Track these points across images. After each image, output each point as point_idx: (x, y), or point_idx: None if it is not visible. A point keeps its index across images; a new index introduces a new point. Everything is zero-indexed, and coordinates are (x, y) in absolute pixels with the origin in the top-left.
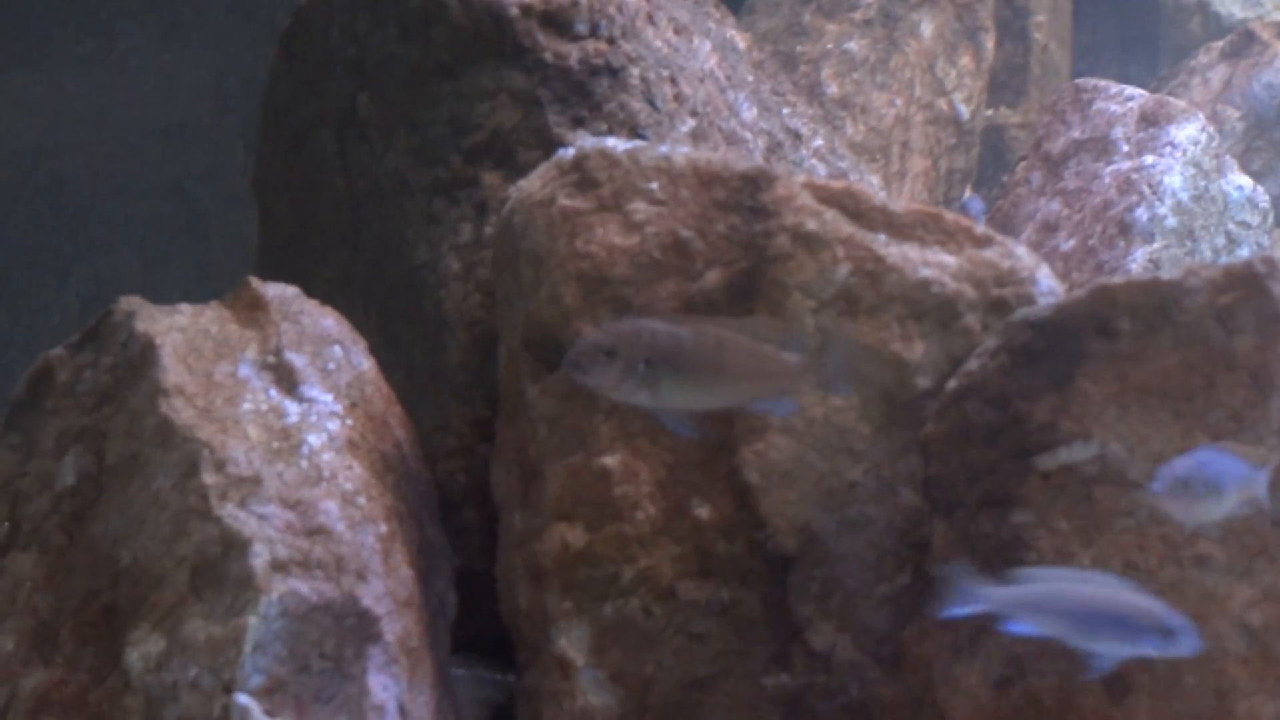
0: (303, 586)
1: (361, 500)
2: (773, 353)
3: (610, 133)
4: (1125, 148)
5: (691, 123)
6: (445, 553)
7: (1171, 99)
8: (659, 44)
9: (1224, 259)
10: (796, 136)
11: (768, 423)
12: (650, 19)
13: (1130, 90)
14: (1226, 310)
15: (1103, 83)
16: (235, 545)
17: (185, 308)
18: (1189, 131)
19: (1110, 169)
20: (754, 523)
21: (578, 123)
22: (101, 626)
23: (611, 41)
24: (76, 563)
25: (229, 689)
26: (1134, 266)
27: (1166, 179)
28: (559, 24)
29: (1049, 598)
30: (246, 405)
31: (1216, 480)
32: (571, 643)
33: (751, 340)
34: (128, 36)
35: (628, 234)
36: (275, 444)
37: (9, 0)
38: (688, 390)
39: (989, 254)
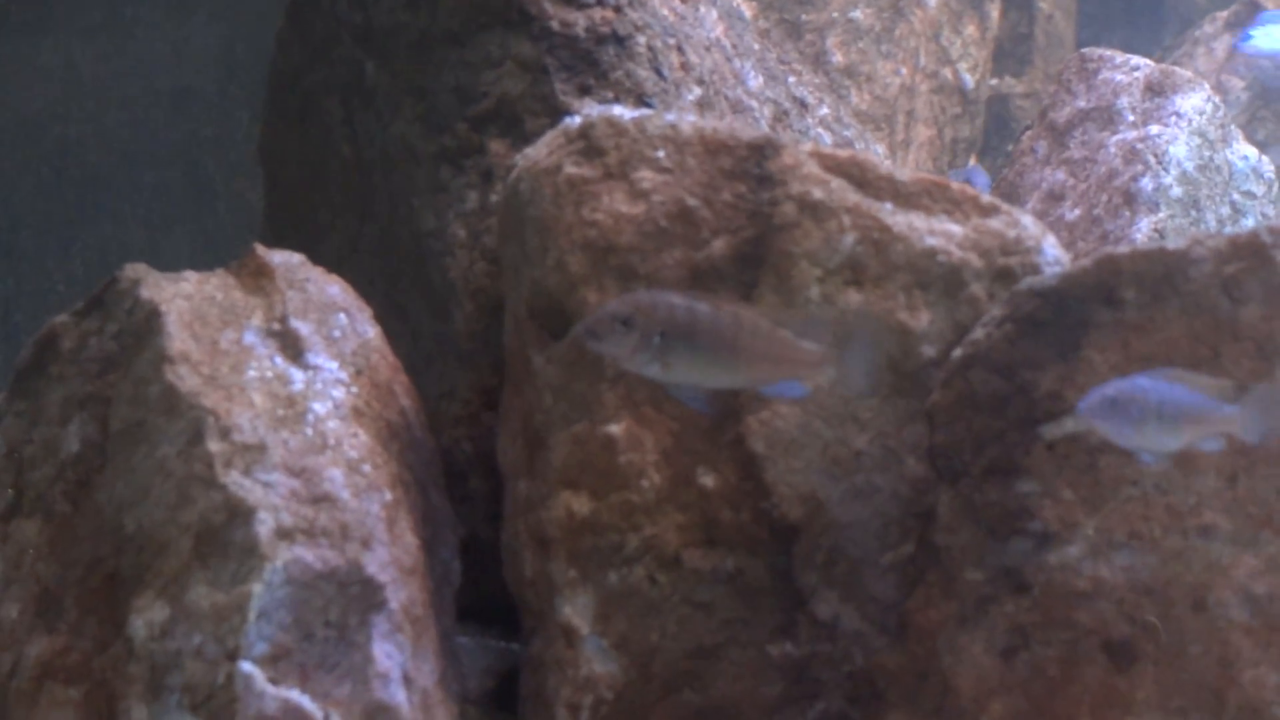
0: (307, 554)
1: (366, 468)
2: (791, 339)
3: (617, 101)
4: (1131, 117)
5: (698, 91)
6: (450, 521)
7: (1177, 69)
8: (665, 12)
9: (1229, 229)
10: (802, 105)
11: None
12: None
13: (1136, 60)
14: (1232, 280)
15: (1108, 52)
16: (240, 513)
17: (191, 275)
18: (1194, 101)
19: (1116, 139)
20: (759, 491)
21: (584, 91)
22: (105, 594)
23: (618, 9)
24: (81, 530)
25: (233, 657)
26: (1139, 236)
27: (1172, 149)
28: None
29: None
30: (252, 372)
31: (1159, 407)
32: (576, 611)
33: (770, 324)
34: (135, 4)
35: (634, 202)
36: (280, 411)
37: None
38: (701, 366)
39: (995, 223)
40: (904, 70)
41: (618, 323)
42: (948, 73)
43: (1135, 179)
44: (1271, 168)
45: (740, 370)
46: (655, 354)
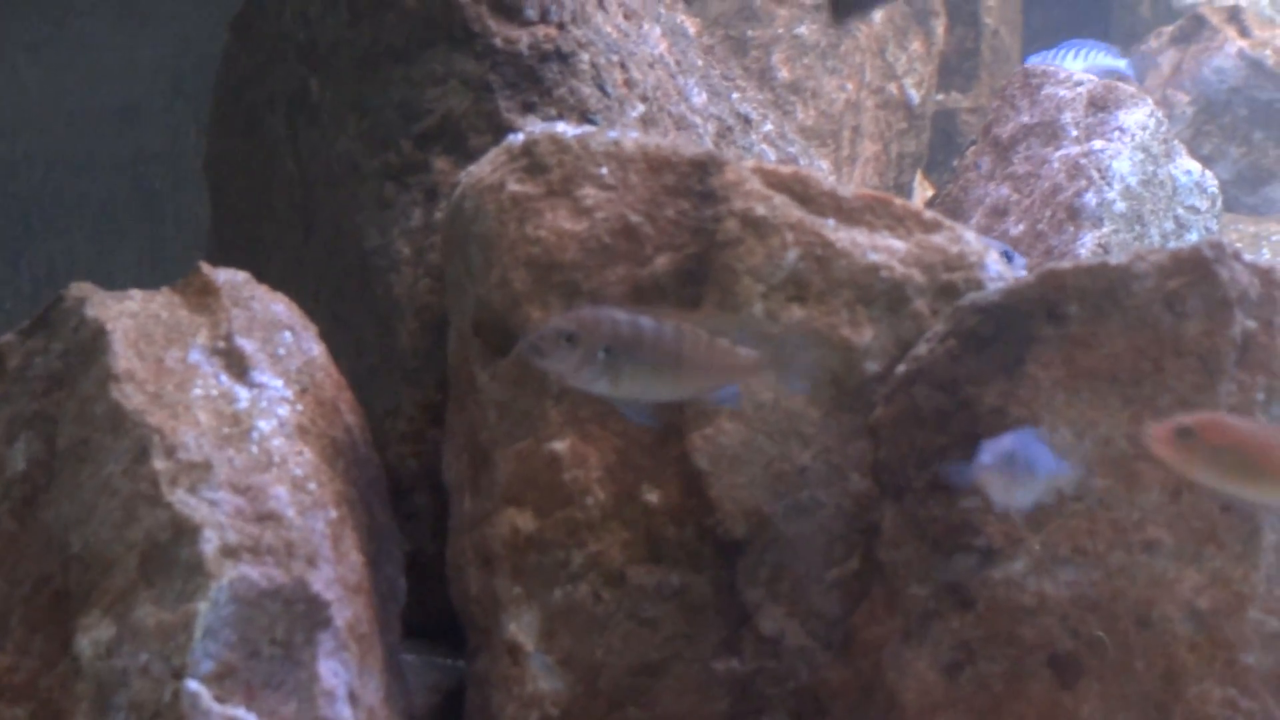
0: (253, 572)
1: (312, 486)
2: (729, 347)
3: (560, 118)
4: (1074, 132)
5: (641, 108)
6: (395, 538)
7: (1120, 84)
8: (609, 29)
9: (1172, 244)
10: (746, 121)
11: (718, 408)
12: (600, 4)
13: (1080, 75)
14: (1175, 295)
15: (1053, 67)
16: (185, 531)
17: (136, 293)
18: (1138, 116)
19: (1059, 154)
20: (704, 508)
21: (528, 108)
22: (52, 612)
23: (561, 27)
24: (27, 548)
25: (179, 675)
26: (1083, 251)
27: (1115, 164)
28: (509, 9)
29: None
30: (197, 391)
31: (1032, 465)
32: (521, 628)
33: (709, 334)
34: (81, 18)
35: (577, 219)
36: (226, 429)
37: None
38: (646, 380)
39: (938, 239)
40: (849, 86)
41: (562, 339)
42: (893, 88)
43: (1079, 194)
44: (1215, 183)
45: (684, 381)
46: (600, 369)
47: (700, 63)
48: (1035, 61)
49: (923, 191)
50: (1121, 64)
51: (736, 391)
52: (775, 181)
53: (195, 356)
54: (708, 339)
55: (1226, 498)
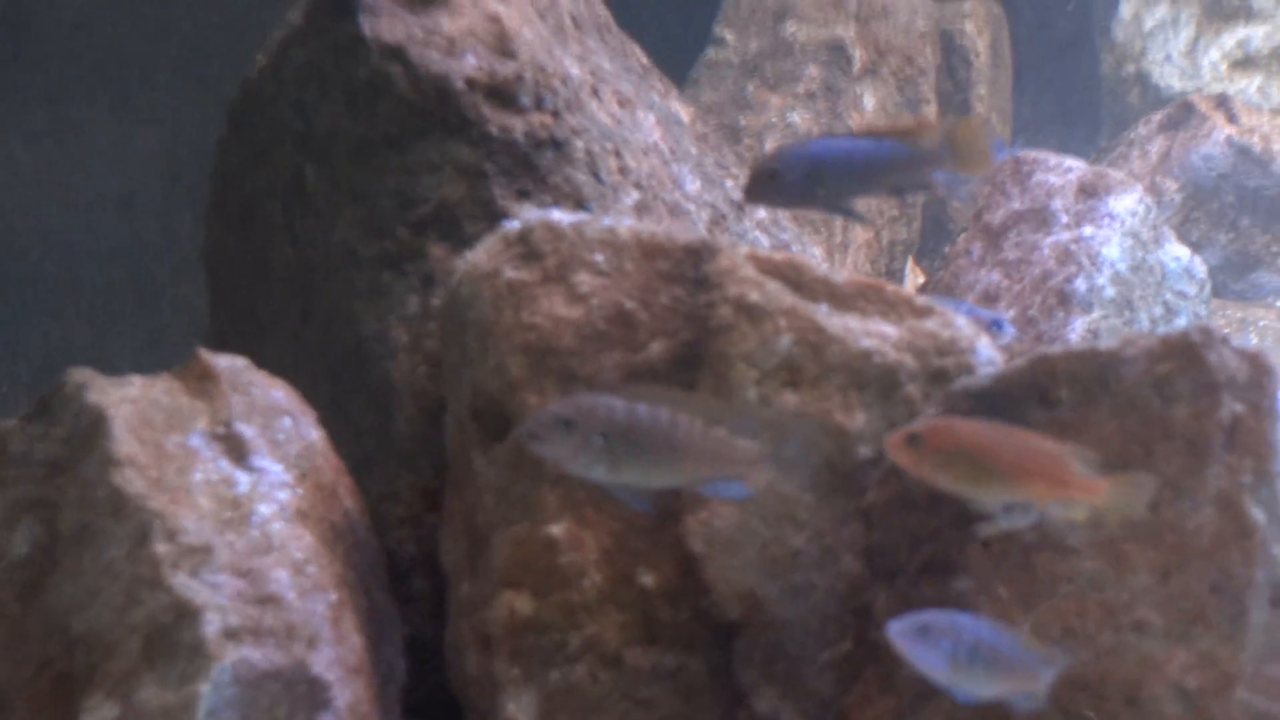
0: (254, 654)
1: (311, 569)
2: (727, 438)
3: (555, 205)
4: (1064, 219)
5: (636, 195)
6: (394, 620)
7: (1110, 170)
8: (603, 117)
9: (1161, 329)
10: (739, 208)
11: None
12: (594, 92)
13: (1069, 162)
14: (1164, 379)
15: (1042, 154)
16: (187, 614)
17: (136, 379)
18: (1127, 203)
19: (1049, 240)
20: (699, 590)
21: (523, 195)
22: (56, 695)
23: (556, 114)
24: (30, 631)
25: None
26: (1073, 336)
27: (1105, 250)
28: (504, 97)
29: None
30: (198, 475)
31: (974, 648)
32: (520, 709)
33: (705, 424)
34: (77, 108)
35: (572, 305)
36: (226, 514)
37: None
38: (643, 467)
39: (929, 324)
40: None
41: (559, 424)
42: None
43: (1069, 280)
44: (1204, 268)
45: (680, 469)
46: (597, 455)
47: (694, 150)
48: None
49: (914, 278)
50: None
51: (741, 489)
52: (768, 268)
53: (195, 441)
54: (705, 429)
55: (961, 497)
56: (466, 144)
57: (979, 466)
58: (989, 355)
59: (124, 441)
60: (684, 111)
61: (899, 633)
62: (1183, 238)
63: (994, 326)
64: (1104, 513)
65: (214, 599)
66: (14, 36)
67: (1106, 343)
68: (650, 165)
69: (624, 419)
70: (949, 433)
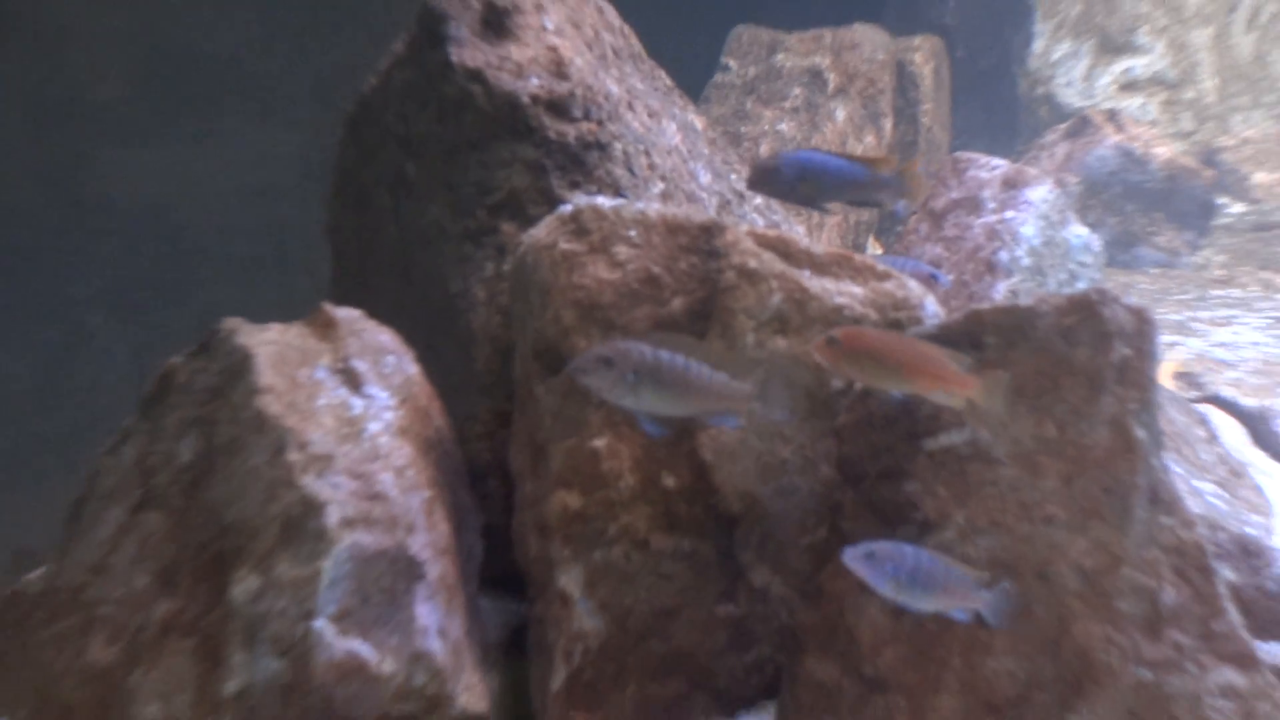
0: (365, 538)
1: (410, 473)
2: (725, 381)
3: (599, 193)
4: (992, 205)
5: (661, 185)
6: (474, 512)
7: (1027, 168)
8: (636, 125)
9: (1066, 290)
10: (741, 196)
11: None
12: (630, 106)
13: (996, 161)
14: (1069, 329)
15: (974, 155)
16: (313, 507)
17: (275, 326)
18: (1040, 193)
19: (980, 221)
20: (709, 490)
21: (574, 185)
22: (212, 569)
23: (600, 123)
24: (193, 520)
25: (309, 616)
26: (998, 296)
27: (1023, 229)
28: (560, 109)
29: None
30: (322, 400)
31: (914, 571)
32: (570, 581)
33: (710, 369)
34: (229, 118)
35: (612, 270)
36: (344, 430)
37: (137, 91)
38: (662, 399)
39: (888, 285)
40: None
41: (601, 363)
42: None
43: (995, 252)
44: (1099, 243)
45: (690, 403)
46: (628, 388)
47: (706, 151)
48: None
49: (874, 250)
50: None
51: (735, 420)
52: (764, 242)
53: (320, 374)
54: (710, 372)
55: (870, 386)
56: (531, 146)
57: (881, 364)
58: (934, 310)
59: (265, 374)
60: (698, 121)
61: (851, 557)
62: (1082, 220)
63: (933, 278)
64: (975, 401)
65: (334, 496)
66: (181, 68)
67: (1024, 300)
68: (672, 163)
69: (650, 361)
70: (860, 338)
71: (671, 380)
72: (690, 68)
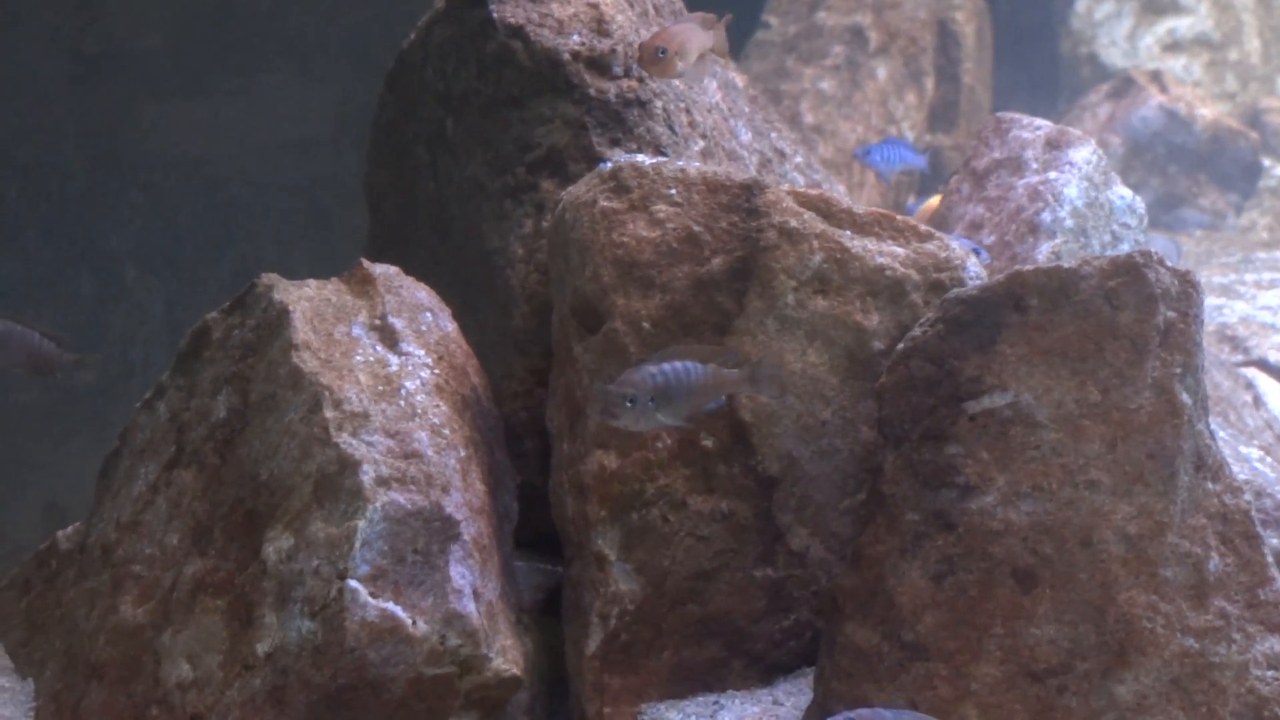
0: (400, 497)
1: (446, 431)
2: (722, 372)
3: (639, 150)
4: (1034, 165)
5: (702, 144)
6: (510, 472)
7: (1070, 129)
8: (676, 81)
9: (1110, 252)
10: (782, 154)
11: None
12: None
13: (1039, 121)
14: (1113, 292)
15: (1017, 115)
16: (348, 465)
17: (311, 282)
18: (1083, 154)
19: (1023, 182)
20: (748, 451)
21: (614, 142)
22: (245, 527)
23: (640, 80)
24: (226, 477)
25: (343, 576)
26: (1041, 257)
27: (1066, 190)
28: (600, 66)
29: None
30: (358, 357)
31: None
32: (607, 542)
33: (711, 367)
34: (268, 74)
35: (652, 228)
36: (380, 387)
37: (177, 50)
38: (675, 408)
39: (930, 246)
40: (860, 128)
41: (625, 402)
42: (893, 130)
43: (1038, 213)
44: (1142, 205)
45: (697, 401)
46: (650, 414)
47: (747, 109)
48: (859, 154)
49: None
50: (920, 161)
51: (719, 401)
52: (805, 201)
53: (357, 331)
54: (713, 369)
55: None
56: (571, 103)
57: None
58: (976, 271)
59: (301, 330)
60: (739, 78)
61: None
62: (1125, 181)
63: (974, 253)
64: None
65: (369, 454)
66: (220, 22)
67: (1068, 262)
68: (713, 120)
69: (661, 384)
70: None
71: (680, 391)
72: (731, 25)
